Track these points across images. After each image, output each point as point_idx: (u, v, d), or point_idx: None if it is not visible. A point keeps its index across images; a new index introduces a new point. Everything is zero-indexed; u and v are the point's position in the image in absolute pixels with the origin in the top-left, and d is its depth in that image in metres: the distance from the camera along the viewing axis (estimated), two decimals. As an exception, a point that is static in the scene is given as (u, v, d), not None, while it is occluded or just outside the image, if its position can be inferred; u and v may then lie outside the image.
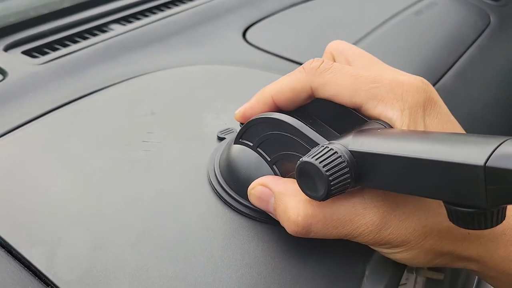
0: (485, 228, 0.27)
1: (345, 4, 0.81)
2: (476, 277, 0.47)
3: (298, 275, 0.34)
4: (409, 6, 0.82)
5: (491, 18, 0.85)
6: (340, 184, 0.30)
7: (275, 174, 0.35)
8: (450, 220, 0.28)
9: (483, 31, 0.81)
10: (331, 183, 0.29)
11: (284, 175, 0.35)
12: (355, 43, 0.70)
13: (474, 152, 0.25)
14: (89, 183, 0.37)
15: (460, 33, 0.79)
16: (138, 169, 0.38)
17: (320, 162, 0.30)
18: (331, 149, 0.30)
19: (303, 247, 0.35)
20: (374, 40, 0.71)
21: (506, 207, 0.27)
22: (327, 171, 0.29)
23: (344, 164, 0.30)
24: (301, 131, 0.33)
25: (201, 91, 0.50)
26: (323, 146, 0.31)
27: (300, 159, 0.30)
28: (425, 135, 0.30)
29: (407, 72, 0.72)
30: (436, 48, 0.74)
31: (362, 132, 0.32)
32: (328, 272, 0.35)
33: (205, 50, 0.64)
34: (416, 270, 0.41)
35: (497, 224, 0.27)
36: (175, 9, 0.70)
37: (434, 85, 0.66)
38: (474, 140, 0.27)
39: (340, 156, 0.30)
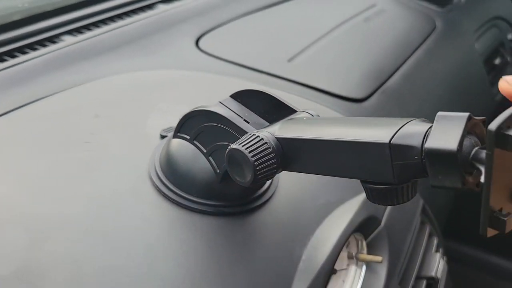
0: (397, 204, 0.28)
1: (297, 13, 0.84)
2: (420, 258, 0.48)
3: (235, 261, 0.35)
4: (359, 13, 0.85)
5: (437, 23, 0.89)
6: (266, 169, 0.31)
7: (211, 165, 0.36)
8: (368, 199, 0.29)
9: (429, 36, 0.85)
10: (257, 168, 0.31)
11: (219, 166, 0.36)
12: (307, 48, 0.72)
13: (381, 132, 0.27)
14: (29, 184, 0.38)
15: (407, 37, 0.82)
16: (79, 169, 0.39)
17: (246, 149, 0.31)
18: (257, 136, 0.32)
19: (242, 234, 0.36)
20: (325, 45, 0.73)
21: (416, 183, 0.28)
22: (253, 156, 0.31)
23: (269, 150, 0.31)
24: (232, 122, 0.34)
25: (147, 94, 0.51)
26: (251, 134, 0.32)
27: (229, 147, 0.32)
28: (345, 120, 0.32)
29: (356, 74, 0.74)
30: (383, 52, 0.76)
31: (289, 120, 0.34)
32: (266, 257, 0.36)
33: (157, 58, 0.65)
34: (356, 255, 0.42)
35: (408, 200, 0.28)
36: (128, 20, 0.71)
37: (381, 86, 0.69)
38: (385, 122, 0.29)
39: (266, 143, 0.31)
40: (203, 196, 0.37)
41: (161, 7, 0.77)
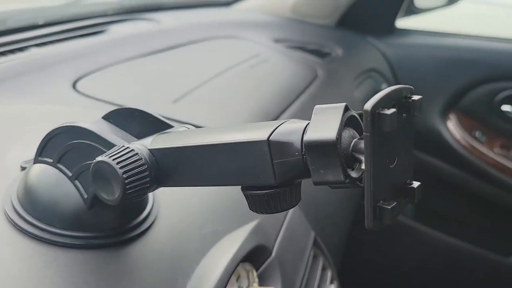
0: (281, 211, 0.26)
1: (183, 59, 0.83)
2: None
3: (106, 298, 0.30)
4: (244, 61, 0.86)
5: (318, 72, 0.93)
6: (137, 183, 0.27)
7: (78, 190, 0.32)
8: (250, 208, 0.27)
9: (311, 82, 0.88)
10: (126, 182, 0.27)
11: (87, 189, 0.32)
12: (192, 90, 0.70)
13: (260, 131, 0.26)
14: None
15: (291, 83, 0.85)
16: None
17: (114, 160, 0.27)
18: (128, 147, 0.28)
19: (115, 268, 0.32)
20: (211, 88, 0.73)
21: (298, 187, 0.27)
22: (121, 168, 0.27)
23: (141, 162, 0.28)
24: (99, 135, 0.30)
25: (10, 127, 0.46)
26: (121, 146, 0.29)
27: (95, 160, 0.28)
28: (223, 127, 0.30)
29: (242, 115, 0.73)
30: (269, 95, 0.77)
31: (164, 133, 0.31)
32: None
33: (30, 98, 0.59)
34: (247, 288, 0.39)
35: (291, 206, 0.26)
36: (-2, 60, 0.65)
37: (268, 126, 0.69)
38: (264, 124, 0.27)
39: (137, 154, 0.28)
40: (68, 227, 0.32)
41: (34, 50, 0.72)
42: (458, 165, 1.18)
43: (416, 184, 0.25)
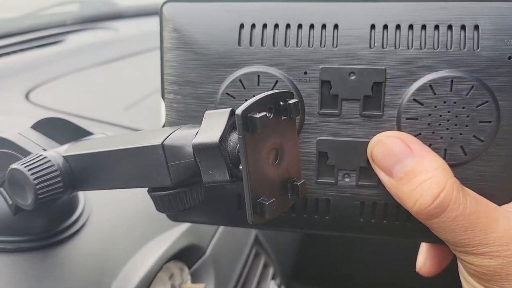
0: (184, 210, 0.28)
1: (140, 66, 0.84)
2: (254, 286, 0.48)
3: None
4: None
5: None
6: (49, 189, 0.29)
7: (3, 197, 0.33)
8: (157, 209, 0.29)
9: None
10: (37, 187, 0.29)
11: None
12: (144, 98, 0.72)
13: (156, 137, 0.28)
14: None
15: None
16: None
17: (26, 167, 0.29)
18: (41, 155, 0.30)
19: (42, 270, 0.33)
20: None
21: (200, 188, 0.29)
22: (32, 174, 0.29)
23: (53, 168, 0.29)
24: (16, 144, 0.32)
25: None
26: (36, 154, 0.30)
27: (10, 167, 0.29)
28: (132, 133, 0.31)
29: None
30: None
31: (80, 141, 0.33)
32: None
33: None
34: (179, 285, 0.41)
35: (192, 205, 0.28)
36: None
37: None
38: (164, 129, 0.29)
39: (49, 161, 0.30)
40: (-4, 233, 0.34)
41: (-13, 62, 0.73)
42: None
43: (300, 181, 0.26)
